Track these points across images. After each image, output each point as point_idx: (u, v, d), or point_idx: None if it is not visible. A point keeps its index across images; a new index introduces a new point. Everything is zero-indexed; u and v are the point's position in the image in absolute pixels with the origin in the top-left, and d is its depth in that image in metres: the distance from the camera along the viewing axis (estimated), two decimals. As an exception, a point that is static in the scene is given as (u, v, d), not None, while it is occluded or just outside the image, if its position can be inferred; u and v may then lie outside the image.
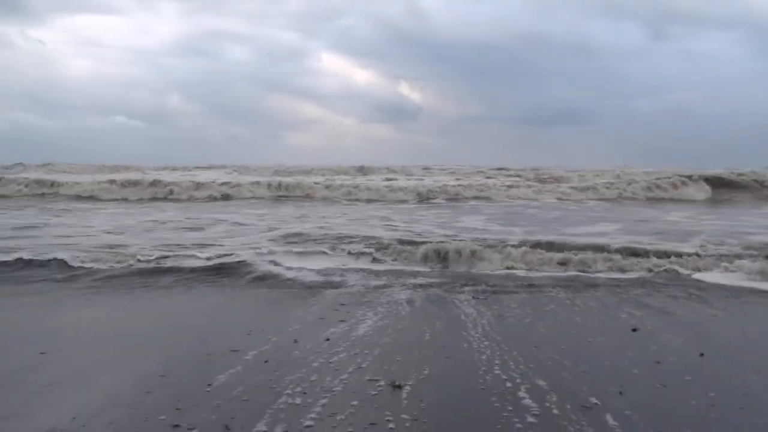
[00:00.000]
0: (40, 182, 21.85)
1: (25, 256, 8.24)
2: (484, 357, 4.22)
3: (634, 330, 4.98)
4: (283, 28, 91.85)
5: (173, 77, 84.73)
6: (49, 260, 8.03)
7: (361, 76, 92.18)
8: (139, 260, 8.15)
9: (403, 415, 3.19)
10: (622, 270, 7.90)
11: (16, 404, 3.37)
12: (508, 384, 3.68)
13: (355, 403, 3.36)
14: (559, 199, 20.27)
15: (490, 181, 23.98)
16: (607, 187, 21.48)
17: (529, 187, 22.34)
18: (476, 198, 20.02)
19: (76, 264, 7.94)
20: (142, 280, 7.24)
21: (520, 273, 7.86)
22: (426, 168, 29.56)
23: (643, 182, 21.91)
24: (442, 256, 8.36)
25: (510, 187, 22.26)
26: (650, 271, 7.81)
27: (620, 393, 3.52)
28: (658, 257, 8.25)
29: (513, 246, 8.84)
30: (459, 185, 22.12)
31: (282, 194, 20.70)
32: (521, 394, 3.48)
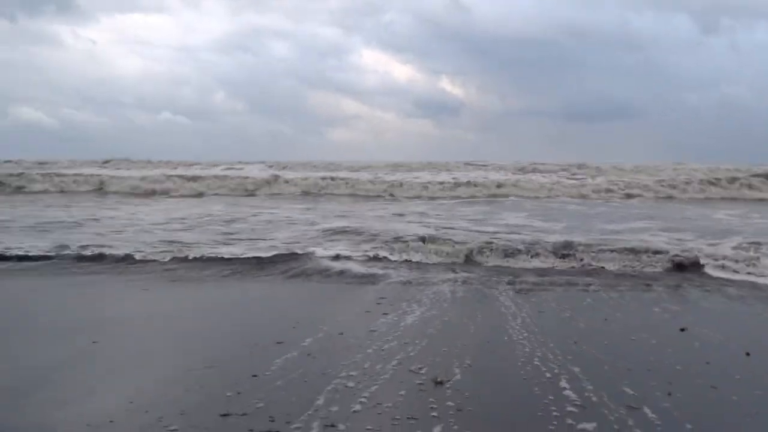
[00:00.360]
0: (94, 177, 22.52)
1: (87, 249, 8.57)
2: (526, 350, 4.21)
3: (682, 330, 4.85)
4: (325, 24, 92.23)
5: (217, 74, 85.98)
6: (105, 253, 8.30)
7: (402, 71, 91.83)
8: (190, 252, 8.41)
9: (449, 402, 3.23)
10: (656, 267, 7.71)
11: (72, 392, 3.49)
12: (548, 375, 3.68)
13: (402, 392, 3.39)
14: (607, 191, 19.94)
15: (533, 177, 23.67)
16: (661, 185, 20.94)
17: (574, 183, 21.96)
18: (518, 195, 19.79)
19: (137, 256, 8.23)
20: (193, 273, 7.44)
21: (558, 267, 7.81)
22: (468, 163, 29.26)
23: (692, 178, 21.34)
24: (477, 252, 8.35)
25: (555, 183, 21.95)
26: (685, 268, 7.59)
27: (669, 394, 3.44)
28: (691, 254, 8.03)
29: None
30: (502, 181, 21.91)
31: (323, 191, 20.79)
32: (563, 384, 3.44)
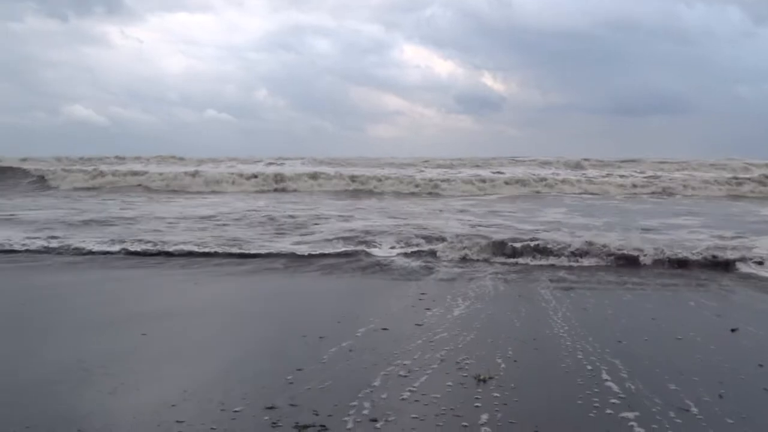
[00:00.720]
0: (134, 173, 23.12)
1: (142, 243, 8.86)
2: (568, 346, 4.17)
3: (733, 330, 4.71)
4: (366, 20, 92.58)
5: (260, 72, 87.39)
6: (165, 249, 8.57)
7: (444, 66, 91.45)
8: (239, 247, 8.66)
9: (494, 394, 3.23)
10: (696, 265, 7.48)
11: (125, 380, 3.60)
12: (590, 368, 3.67)
13: (447, 385, 3.40)
14: (650, 186, 19.54)
15: (575, 172, 23.33)
16: (712, 182, 20.35)
17: (618, 179, 21.52)
18: (561, 191, 19.52)
19: (187, 249, 8.51)
20: (242, 267, 7.62)
21: (596, 264, 7.70)
22: (511, 159, 28.96)
23: (742, 174, 20.70)
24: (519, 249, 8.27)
25: (596, 178, 21.57)
26: (719, 266, 7.36)
27: (720, 396, 3.35)
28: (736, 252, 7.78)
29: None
30: (544, 177, 21.64)
31: (362, 188, 20.68)
32: (607, 384, 3.38)
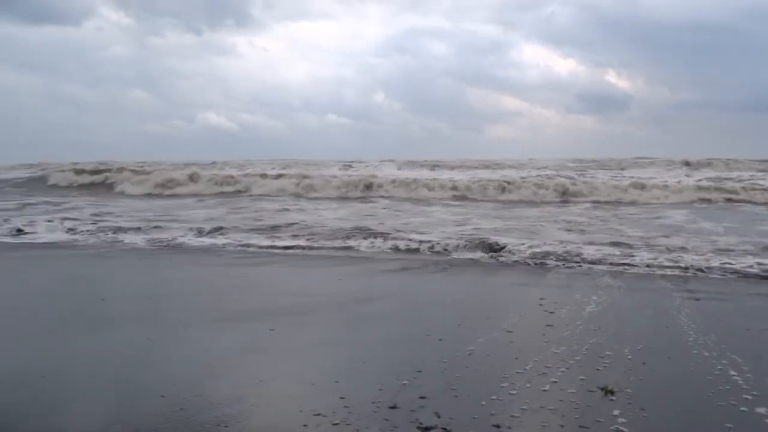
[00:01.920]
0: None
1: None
2: (706, 358, 3.87)
3: None
4: (483, 21, 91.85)
5: (378, 75, 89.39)
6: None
7: (564, 65, 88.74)
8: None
9: (623, 405, 3.08)
10: None
11: (248, 381, 3.81)
12: (728, 388, 3.35)
13: (574, 392, 3.30)
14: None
15: (705, 173, 21.73)
16: None
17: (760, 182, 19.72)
18: (703, 199, 17.77)
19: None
20: (367, 265, 7.89)
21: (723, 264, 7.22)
22: (638, 159, 27.39)
23: None
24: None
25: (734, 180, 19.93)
26: None
27: None
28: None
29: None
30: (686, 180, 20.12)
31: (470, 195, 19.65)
32: (758, 410, 3.13)
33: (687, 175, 21.79)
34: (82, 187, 23.99)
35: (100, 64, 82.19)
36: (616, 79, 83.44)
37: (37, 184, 24.87)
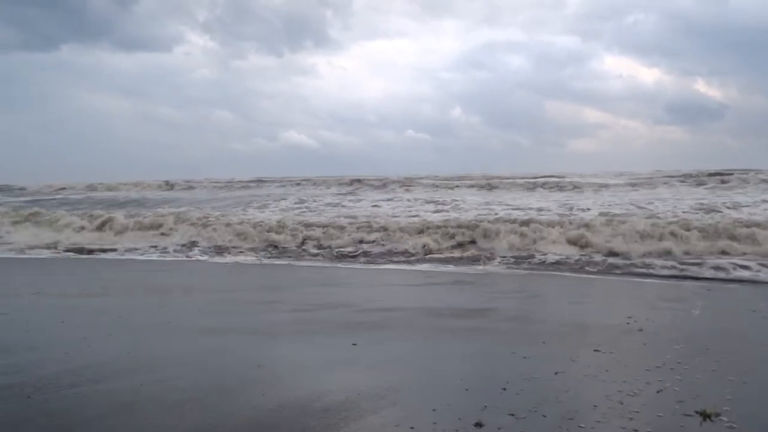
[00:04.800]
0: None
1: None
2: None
3: None
4: (561, 32, 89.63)
5: (454, 90, 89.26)
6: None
7: (648, 75, 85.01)
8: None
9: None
10: None
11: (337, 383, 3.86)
12: None
13: (668, 416, 3.16)
14: None
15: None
16: None
17: None
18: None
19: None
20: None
21: None
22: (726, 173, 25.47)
23: None
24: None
25: None
26: None
27: None
28: None
29: None
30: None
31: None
32: None
33: None
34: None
35: (188, 86, 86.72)
36: (705, 88, 79.17)
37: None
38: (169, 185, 31.91)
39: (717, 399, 3.44)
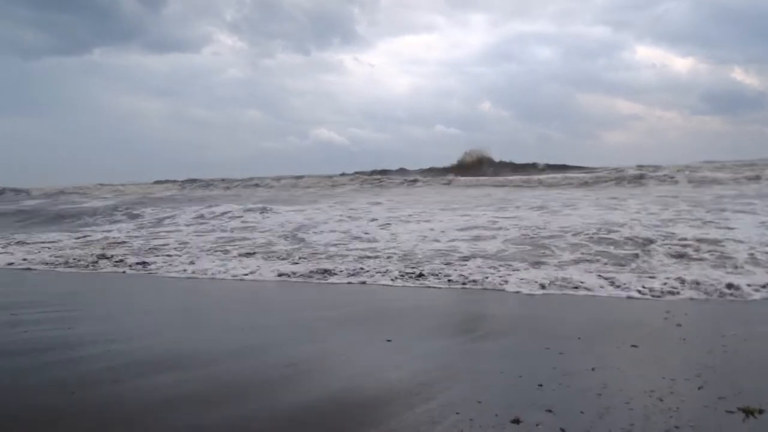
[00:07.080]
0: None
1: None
2: None
3: None
4: (592, 23, 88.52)
5: (482, 84, 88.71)
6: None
7: (682, 64, 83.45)
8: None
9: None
10: None
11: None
12: None
13: (709, 413, 3.11)
14: None
15: None
16: None
17: None
18: None
19: None
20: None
21: None
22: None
23: None
24: None
25: None
26: None
27: None
28: None
29: None
30: None
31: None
32: None
33: None
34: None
35: (218, 86, 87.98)
36: (743, 76, 77.38)
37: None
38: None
39: (760, 395, 3.37)
